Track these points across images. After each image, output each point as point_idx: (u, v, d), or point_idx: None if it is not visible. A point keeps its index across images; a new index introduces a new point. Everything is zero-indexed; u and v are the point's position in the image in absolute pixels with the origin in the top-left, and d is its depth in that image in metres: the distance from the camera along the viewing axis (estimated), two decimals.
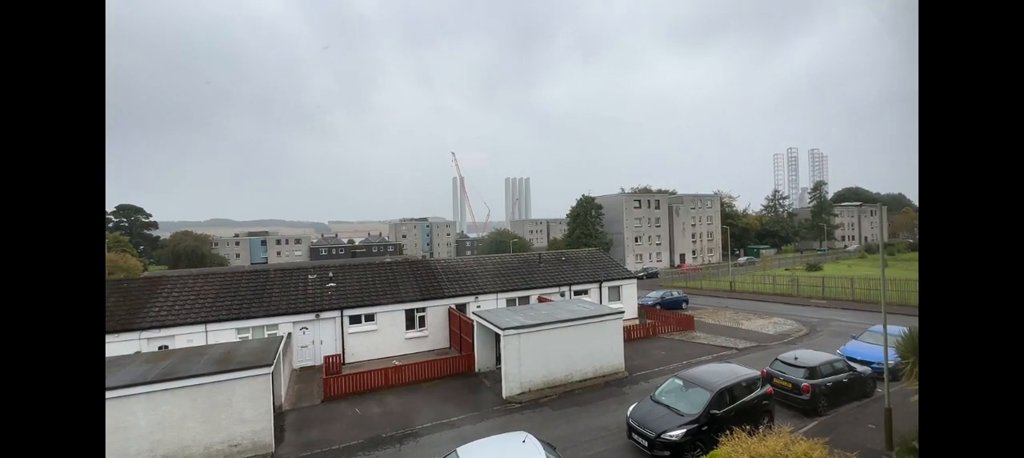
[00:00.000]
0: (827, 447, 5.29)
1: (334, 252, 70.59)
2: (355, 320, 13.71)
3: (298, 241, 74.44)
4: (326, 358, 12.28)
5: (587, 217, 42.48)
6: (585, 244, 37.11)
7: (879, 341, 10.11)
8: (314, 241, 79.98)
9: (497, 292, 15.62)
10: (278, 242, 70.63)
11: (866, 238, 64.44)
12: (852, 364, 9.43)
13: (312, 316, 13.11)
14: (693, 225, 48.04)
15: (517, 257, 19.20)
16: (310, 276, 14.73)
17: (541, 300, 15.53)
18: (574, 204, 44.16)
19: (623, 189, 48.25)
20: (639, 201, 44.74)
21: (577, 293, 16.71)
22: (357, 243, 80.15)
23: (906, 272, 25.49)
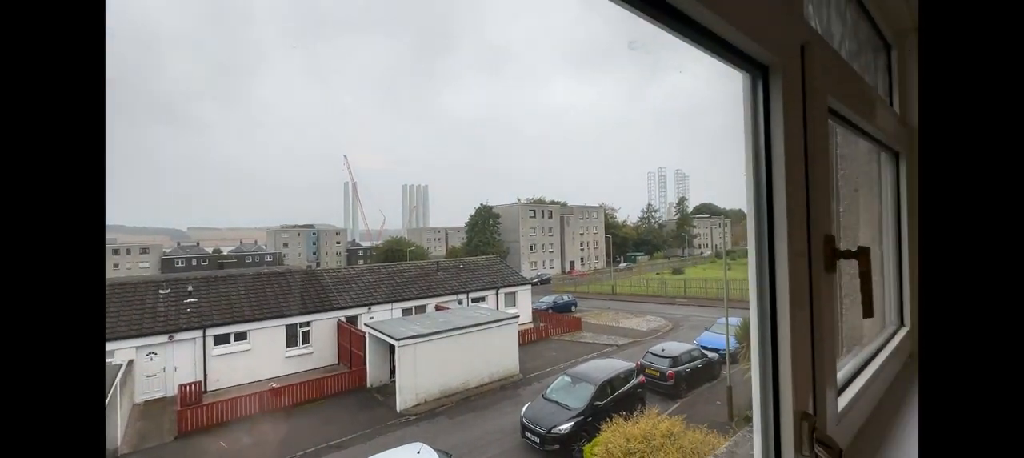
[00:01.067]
0: (685, 423, 6.20)
1: (196, 263, 60.56)
2: (222, 340, 11.95)
3: (145, 250, 62.26)
4: (182, 387, 10.45)
5: (485, 226, 43.28)
6: (483, 252, 37.75)
7: (723, 331, 12.16)
8: (167, 250, 67.69)
9: (392, 302, 15.01)
10: (116, 252, 58.23)
11: (717, 246, 77.00)
12: (705, 352, 11.21)
13: (163, 338, 11.09)
14: (581, 234, 52.13)
15: (414, 266, 18.75)
16: (162, 291, 12.46)
17: (439, 309, 15.37)
18: (473, 213, 44.68)
19: (520, 199, 50.35)
20: (534, 211, 47.07)
21: (475, 300, 16.91)
22: (226, 253, 69.83)
23: (743, 274, 31.09)
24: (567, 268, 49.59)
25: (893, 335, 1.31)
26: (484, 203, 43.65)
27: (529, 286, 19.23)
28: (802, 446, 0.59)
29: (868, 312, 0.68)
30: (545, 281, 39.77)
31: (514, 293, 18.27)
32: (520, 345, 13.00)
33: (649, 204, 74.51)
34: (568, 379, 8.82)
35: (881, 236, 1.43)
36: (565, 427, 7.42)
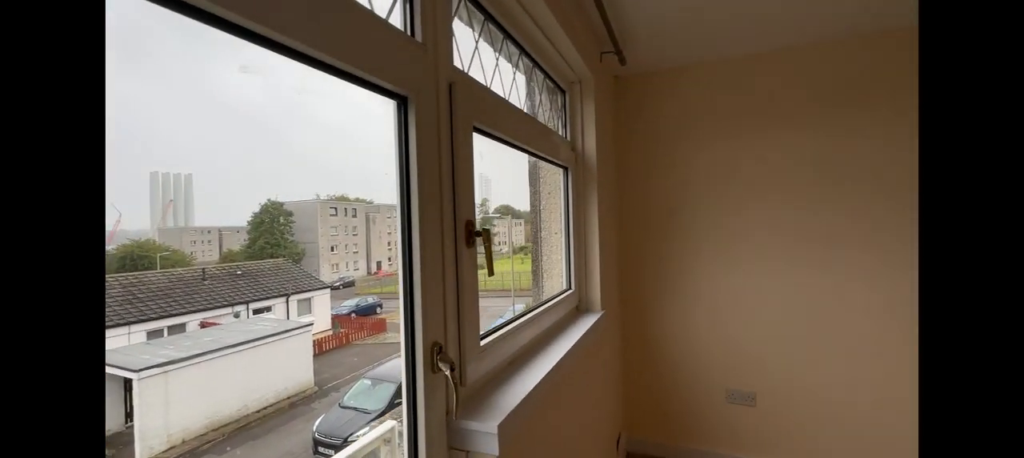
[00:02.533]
0: None
1: None
2: None
3: None
4: None
5: (274, 225, 37.64)
6: (271, 255, 32.72)
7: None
8: None
9: (130, 324, 11.58)
10: None
11: (513, 243, 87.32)
12: None
13: None
14: (389, 233, 50.92)
15: (166, 275, 14.92)
16: None
17: (205, 325, 12.64)
18: (258, 210, 38.27)
19: (318, 195, 45.66)
20: (335, 208, 43.53)
21: (258, 311, 14.61)
22: None
23: (528, 266, 36.12)
24: (373, 269, 47.74)
25: (563, 293, 1.86)
26: (274, 199, 37.95)
27: (328, 290, 17.75)
28: (432, 365, 0.85)
29: (491, 273, 1.02)
30: (348, 284, 37.22)
31: (310, 299, 16.56)
32: (317, 355, 11.88)
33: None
34: (368, 382, 8.59)
35: (565, 224, 1.99)
36: (364, 432, 7.25)
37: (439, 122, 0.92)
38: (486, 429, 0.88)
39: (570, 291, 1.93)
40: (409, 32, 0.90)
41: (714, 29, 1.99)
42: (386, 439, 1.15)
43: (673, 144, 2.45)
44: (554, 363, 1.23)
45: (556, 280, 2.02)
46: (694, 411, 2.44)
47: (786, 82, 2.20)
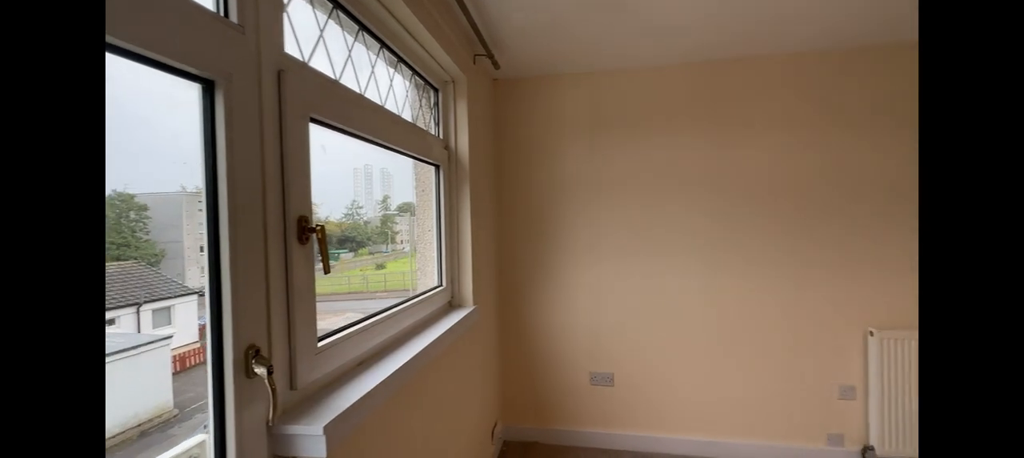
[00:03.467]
0: None
1: None
2: None
3: None
4: None
5: (121, 221, 31.45)
6: (117, 257, 27.28)
7: None
8: None
9: None
10: None
11: (414, 240, 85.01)
12: None
13: None
14: None
15: None
16: None
17: None
18: None
19: (184, 187, 39.26)
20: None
21: None
22: None
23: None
24: None
25: (434, 289, 1.88)
26: (122, 191, 31.62)
27: (195, 296, 15.40)
28: (246, 369, 0.80)
29: (327, 271, 0.98)
30: None
31: (168, 308, 14.19)
32: (178, 372, 10.26)
33: (354, 201, 73.97)
34: None
35: (437, 221, 2.00)
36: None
37: (263, 111, 0.87)
38: (311, 432, 0.85)
39: (441, 287, 1.95)
40: (222, 12, 0.83)
41: (582, 44, 2.17)
42: (193, 456, 1.05)
43: (547, 147, 2.62)
44: (405, 361, 1.23)
45: (431, 277, 2.03)
46: (564, 395, 2.64)
47: (643, 97, 2.49)
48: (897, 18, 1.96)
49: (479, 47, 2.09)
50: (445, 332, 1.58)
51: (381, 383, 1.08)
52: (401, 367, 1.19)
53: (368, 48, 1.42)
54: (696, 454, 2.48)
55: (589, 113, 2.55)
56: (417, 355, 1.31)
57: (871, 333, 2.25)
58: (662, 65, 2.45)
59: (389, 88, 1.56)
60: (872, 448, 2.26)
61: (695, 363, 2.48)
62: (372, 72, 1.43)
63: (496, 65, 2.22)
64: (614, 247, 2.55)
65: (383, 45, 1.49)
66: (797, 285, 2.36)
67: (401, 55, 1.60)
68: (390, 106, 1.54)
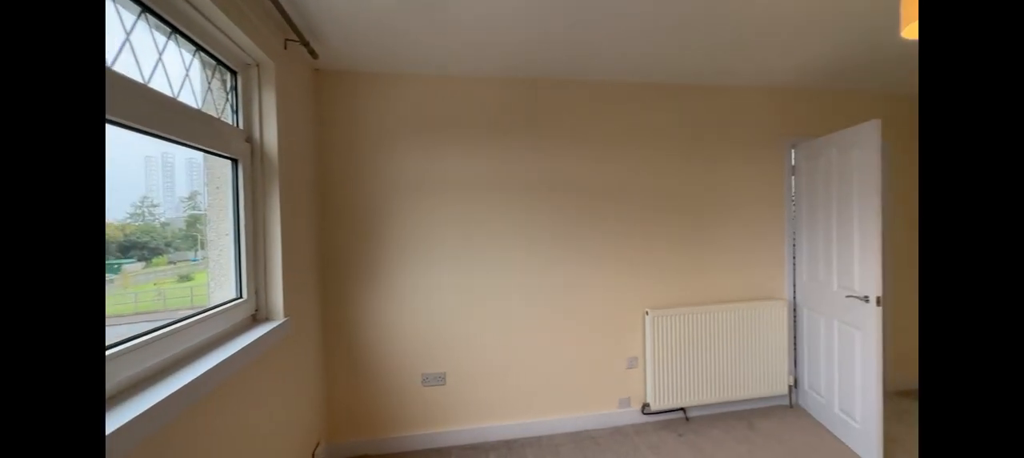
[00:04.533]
0: None
1: None
2: None
3: None
4: None
5: None
6: None
7: None
8: None
9: None
10: None
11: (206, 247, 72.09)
12: None
13: None
14: None
15: None
16: None
17: None
18: None
19: None
20: None
21: None
22: None
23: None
24: None
25: (230, 302, 1.62)
26: None
27: None
28: None
29: None
30: None
31: None
32: None
33: (145, 197, 58.57)
34: None
35: (234, 224, 1.73)
36: None
37: None
38: None
39: (241, 300, 1.70)
40: None
41: (412, 45, 2.16)
42: None
43: (382, 147, 2.53)
44: (170, 393, 1.03)
45: (227, 289, 1.74)
46: (395, 400, 2.59)
47: (472, 105, 2.61)
48: (687, 66, 2.50)
49: (290, 32, 1.89)
50: (238, 352, 1.38)
51: (125, 426, 0.88)
52: (162, 401, 0.99)
53: (117, 2, 1.15)
54: (519, 436, 2.72)
55: (422, 115, 2.56)
56: (190, 384, 1.11)
57: (647, 313, 2.82)
58: (489, 76, 2.61)
59: (158, 62, 1.28)
60: (649, 404, 2.83)
61: (519, 353, 2.72)
62: (127, 38, 1.16)
63: (314, 54, 2.05)
64: (446, 249, 2.61)
65: (145, 9, 1.22)
66: (595, 277, 2.79)
67: (175, 24, 1.34)
68: (159, 84, 1.27)
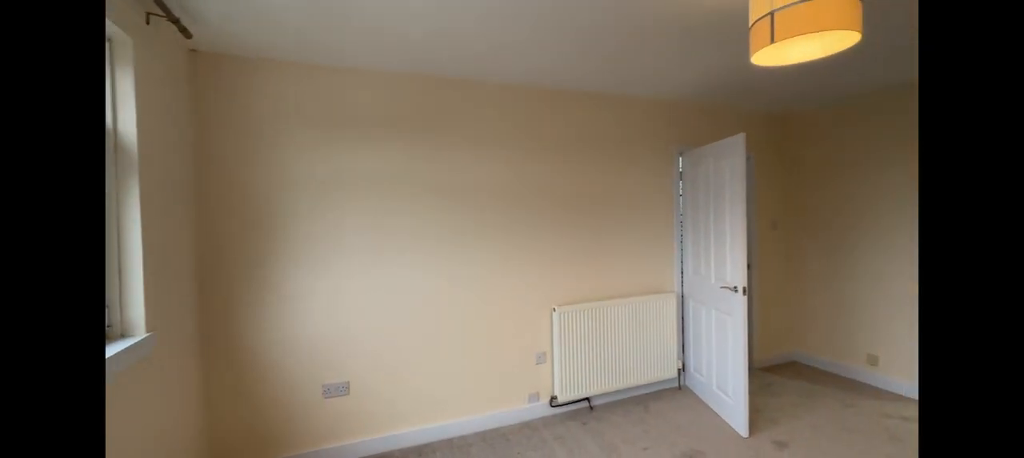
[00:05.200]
0: None
1: None
2: None
3: None
4: None
5: None
6: None
7: None
8: None
9: None
10: None
11: None
12: None
13: None
14: None
15: None
16: None
17: None
18: None
19: None
20: None
21: None
22: None
23: None
24: None
25: None
26: None
27: None
28: None
29: None
30: None
31: None
32: None
33: None
34: None
35: None
36: None
37: None
38: None
39: None
40: None
41: (302, 30, 2.00)
42: None
43: (273, 139, 2.31)
44: None
45: None
46: (294, 416, 2.39)
47: (377, 101, 2.50)
48: (589, 74, 2.63)
49: (153, 5, 1.66)
50: None
51: None
52: None
53: None
54: (430, 440, 2.67)
55: (319, 107, 2.40)
56: None
57: (555, 309, 2.95)
58: (392, 71, 2.54)
59: None
60: (556, 397, 2.96)
61: (428, 355, 2.67)
62: None
63: (186, 33, 1.81)
64: (348, 250, 2.48)
65: None
66: (505, 277, 2.85)
67: None
68: None
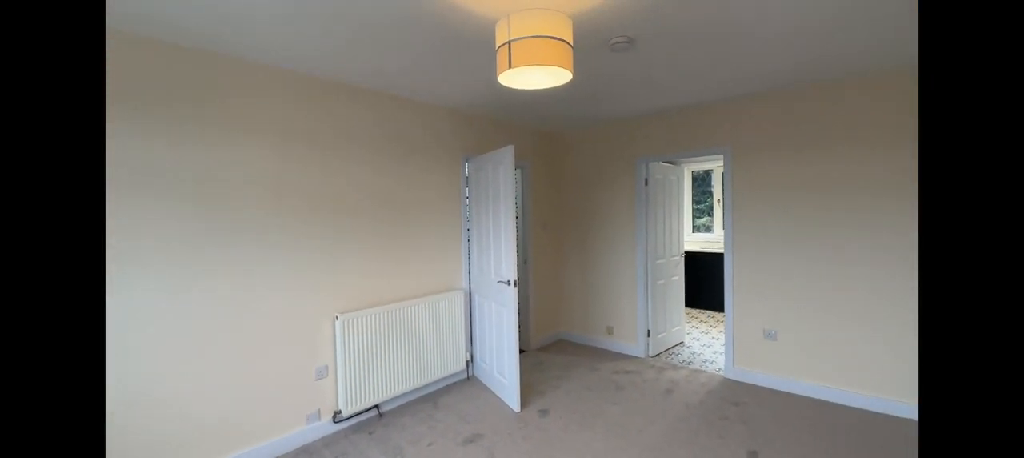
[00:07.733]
0: None
1: None
2: None
3: None
4: None
5: None
6: None
7: None
8: None
9: None
10: None
11: None
12: None
13: None
14: None
15: None
16: None
17: None
18: None
19: None
20: None
21: None
22: None
23: None
24: None
25: None
26: None
27: None
28: None
29: None
30: None
31: None
32: None
33: None
34: None
35: None
36: None
37: None
38: None
39: None
40: None
41: None
42: None
43: None
44: None
45: None
46: None
47: (114, 69, 1.83)
48: (382, 73, 2.48)
49: None
50: None
51: None
52: None
53: None
54: None
55: None
56: None
57: (337, 317, 2.75)
58: (125, 30, 1.92)
59: None
60: (340, 411, 2.77)
61: (209, 377, 2.12)
62: None
63: None
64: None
65: None
66: (277, 288, 2.51)
67: None
68: None
